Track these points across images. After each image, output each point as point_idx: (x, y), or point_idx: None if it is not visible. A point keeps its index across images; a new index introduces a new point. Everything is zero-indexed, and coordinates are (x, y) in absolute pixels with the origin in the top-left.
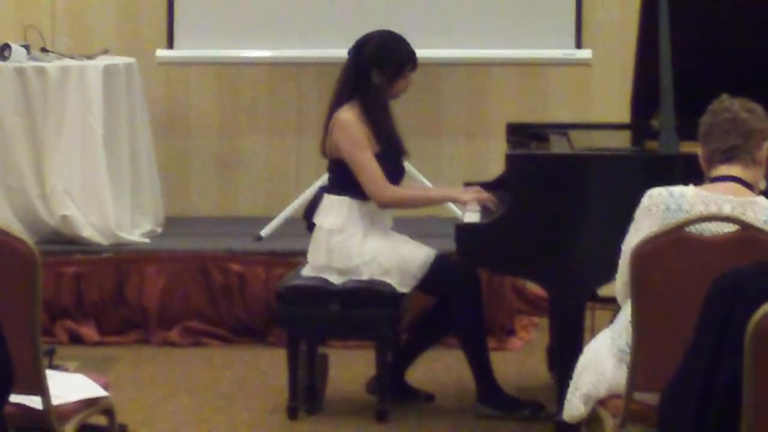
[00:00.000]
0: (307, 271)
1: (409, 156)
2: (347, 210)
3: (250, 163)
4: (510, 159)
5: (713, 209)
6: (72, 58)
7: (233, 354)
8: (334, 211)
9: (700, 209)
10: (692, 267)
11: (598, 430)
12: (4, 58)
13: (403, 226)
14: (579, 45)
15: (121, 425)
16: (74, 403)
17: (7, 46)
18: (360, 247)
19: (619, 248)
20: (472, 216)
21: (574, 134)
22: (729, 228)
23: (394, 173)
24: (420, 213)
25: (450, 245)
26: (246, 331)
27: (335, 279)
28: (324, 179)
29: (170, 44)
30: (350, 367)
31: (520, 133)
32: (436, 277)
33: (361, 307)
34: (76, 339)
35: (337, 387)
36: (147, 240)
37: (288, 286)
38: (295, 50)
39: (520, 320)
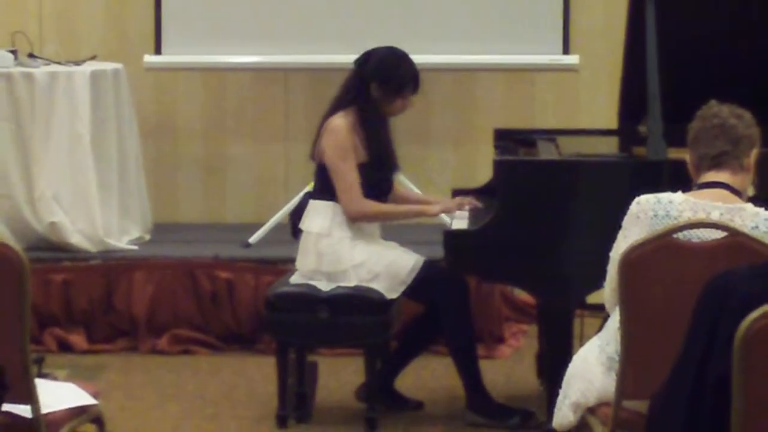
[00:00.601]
0: (295, 279)
1: (398, 170)
2: (332, 214)
3: (238, 169)
4: (498, 165)
5: (701, 216)
6: (59, 63)
7: (222, 362)
8: (320, 216)
9: (688, 216)
10: (680, 274)
11: None
12: None
13: (391, 233)
14: (566, 51)
15: None
16: (64, 411)
17: None
18: (350, 251)
19: (608, 255)
20: (460, 222)
21: (561, 140)
22: (717, 234)
23: (379, 187)
24: (408, 220)
25: (438, 252)
26: (234, 339)
27: (324, 285)
28: (309, 187)
29: (158, 50)
30: (339, 375)
31: (507, 139)
32: (425, 283)
33: (350, 314)
34: (64, 347)
35: (326, 394)
36: (135, 247)
37: (276, 294)
38: (282, 56)
39: (509, 327)
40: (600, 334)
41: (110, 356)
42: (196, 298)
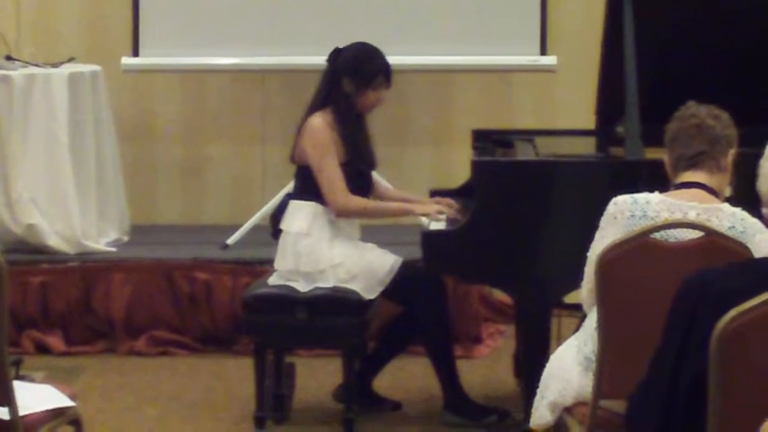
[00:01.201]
0: (273, 280)
1: (376, 166)
2: (312, 215)
3: (215, 171)
4: (475, 166)
5: (678, 216)
6: (37, 65)
7: (199, 363)
8: (300, 216)
9: (665, 216)
10: (657, 273)
11: None
12: None
13: (369, 234)
14: (544, 51)
15: None
16: (42, 413)
17: None
18: (328, 251)
19: (585, 255)
20: (438, 223)
21: (539, 141)
22: (694, 234)
23: (359, 185)
24: (386, 220)
25: (416, 253)
26: (212, 340)
27: (302, 286)
28: (289, 187)
29: (135, 52)
30: (317, 376)
31: (485, 140)
32: (403, 284)
33: (327, 316)
34: (42, 349)
35: (304, 395)
36: (113, 248)
37: (254, 295)
38: (260, 58)
39: (486, 328)
40: (577, 333)
41: (88, 358)
42: (174, 300)
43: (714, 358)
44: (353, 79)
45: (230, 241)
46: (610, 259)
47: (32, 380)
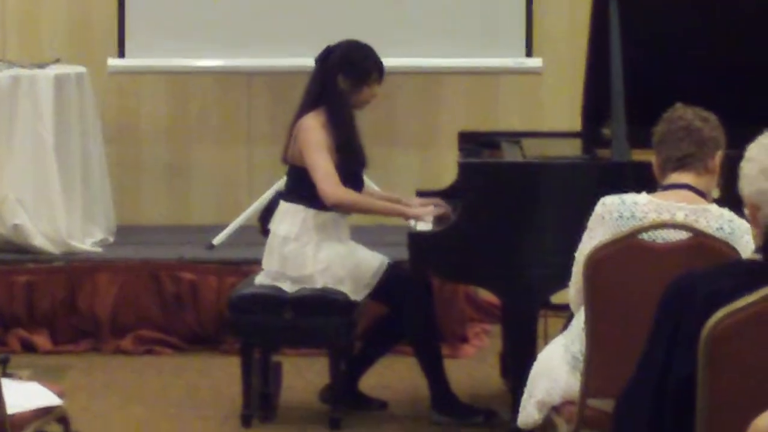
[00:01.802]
0: (260, 279)
1: (366, 165)
2: (301, 219)
3: (201, 171)
4: (462, 167)
5: (666, 217)
6: (23, 67)
7: (185, 362)
8: (289, 219)
9: (652, 217)
10: (645, 274)
11: None
12: None
13: (355, 234)
14: (529, 54)
15: None
16: (29, 411)
17: None
18: (314, 256)
19: (572, 256)
20: (424, 224)
21: (526, 142)
22: (682, 235)
23: (351, 183)
24: (372, 221)
25: (402, 253)
26: (198, 340)
27: (288, 287)
28: (280, 184)
29: (121, 53)
30: (304, 375)
31: (472, 142)
32: (389, 285)
33: (314, 316)
34: (28, 347)
35: (290, 395)
36: (99, 249)
37: (240, 295)
38: (245, 59)
39: (472, 327)
40: (565, 333)
41: (74, 357)
42: (160, 300)
43: (702, 359)
44: (348, 76)
45: (216, 241)
46: (598, 260)
47: (19, 378)
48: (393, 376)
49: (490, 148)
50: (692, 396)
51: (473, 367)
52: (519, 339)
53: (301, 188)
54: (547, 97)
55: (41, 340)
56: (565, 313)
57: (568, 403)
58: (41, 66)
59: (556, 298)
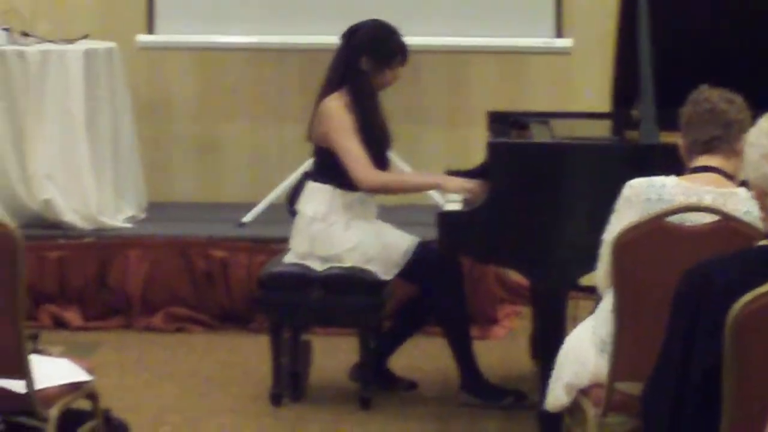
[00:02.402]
0: (289, 258)
1: (391, 143)
2: (329, 199)
3: (232, 148)
4: (491, 147)
5: (694, 200)
6: (52, 42)
7: (216, 340)
8: (316, 199)
9: (680, 200)
10: (672, 257)
11: (580, 420)
12: None
13: (384, 215)
14: (559, 34)
15: (105, 410)
16: (58, 387)
17: None
18: (342, 235)
19: (600, 238)
20: (453, 204)
21: (554, 123)
22: (709, 218)
23: (377, 164)
24: (401, 201)
25: (431, 233)
26: (228, 318)
27: (317, 266)
28: (307, 164)
29: (151, 29)
30: (333, 354)
31: (500, 122)
32: (418, 265)
33: (343, 295)
34: (59, 324)
35: (320, 374)
36: (129, 225)
37: (270, 273)
38: (277, 36)
39: (503, 309)
40: (593, 315)
41: (105, 333)
42: (191, 277)
43: (729, 344)
44: (372, 57)
45: (246, 218)
46: (625, 242)
47: (49, 354)
48: (423, 357)
49: (518, 129)
50: (716, 387)
51: (503, 348)
52: (548, 321)
53: (327, 168)
54: (576, 78)
55: (72, 316)
56: (594, 296)
57: (595, 386)
58: (71, 41)
59: (586, 281)
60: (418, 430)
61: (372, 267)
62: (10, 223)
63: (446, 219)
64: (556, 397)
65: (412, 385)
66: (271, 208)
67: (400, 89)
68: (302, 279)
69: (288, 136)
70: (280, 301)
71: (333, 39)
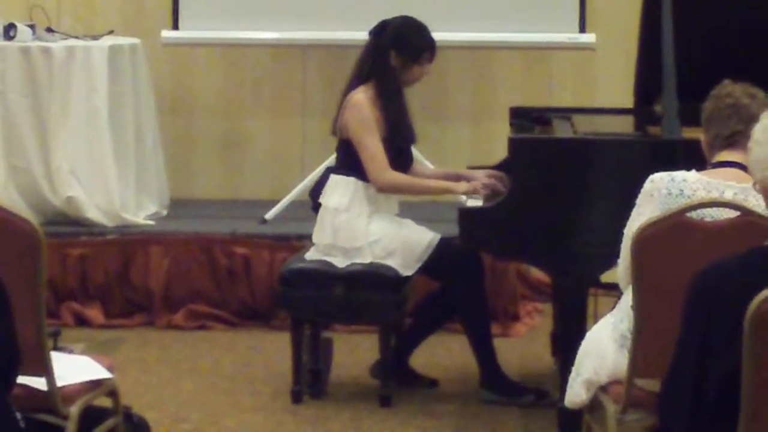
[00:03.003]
0: (311, 254)
1: (415, 140)
2: (352, 190)
3: (255, 145)
4: (513, 143)
5: (715, 195)
6: (77, 38)
7: (237, 337)
8: (340, 191)
9: (701, 195)
10: (693, 252)
11: (600, 416)
12: (10, 38)
13: (406, 210)
14: (583, 29)
15: (125, 407)
16: (79, 384)
17: (12, 26)
18: (366, 227)
19: (622, 233)
20: (475, 200)
21: (577, 119)
22: (730, 214)
23: (400, 160)
24: (424, 197)
25: (453, 230)
26: (250, 315)
27: (339, 261)
28: (330, 160)
29: (175, 25)
30: (354, 351)
31: (523, 117)
32: (440, 261)
33: (364, 291)
34: (81, 321)
35: (340, 371)
36: (152, 222)
37: (291, 269)
38: (300, 32)
39: (524, 306)
40: (614, 311)
41: (127, 331)
42: (213, 274)
43: (747, 342)
44: (400, 53)
45: (269, 215)
46: (645, 237)
47: (71, 351)
48: (443, 354)
49: (541, 124)
50: (735, 388)
51: (524, 345)
52: (568, 317)
53: (350, 161)
54: (599, 73)
55: (94, 313)
56: (615, 292)
57: (615, 382)
58: (95, 37)
59: (606, 277)
60: (438, 427)
61: (393, 261)
62: (33, 219)
63: (468, 215)
64: (576, 393)
65: (432, 383)
66: (294, 204)
67: (424, 84)
68: (324, 275)
69: (311, 133)
70: (301, 297)
71: (356, 35)
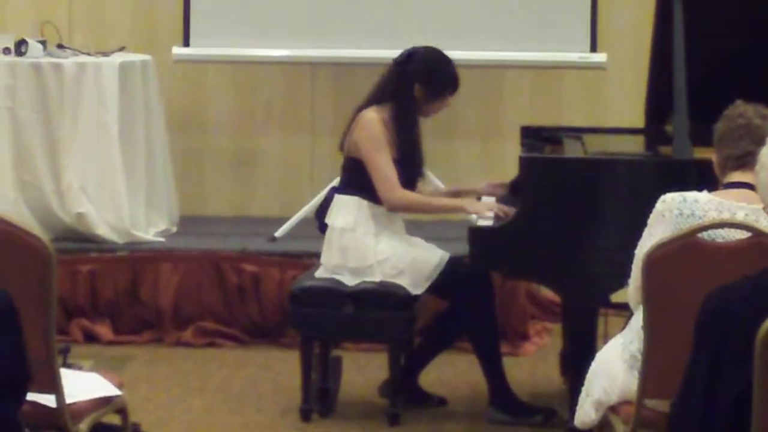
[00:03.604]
0: (320, 273)
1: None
2: (356, 210)
3: (265, 162)
4: (523, 162)
5: (726, 215)
6: (88, 54)
7: (246, 355)
8: (345, 211)
9: (712, 215)
10: (704, 273)
11: None
12: (21, 54)
13: (416, 229)
14: (594, 49)
15: (134, 424)
16: (88, 401)
17: (23, 42)
18: (374, 247)
19: (632, 254)
20: (485, 219)
21: (588, 138)
22: (741, 235)
23: (406, 185)
24: (433, 216)
25: (463, 249)
26: (259, 332)
27: (348, 280)
28: (336, 181)
29: (186, 42)
30: (363, 370)
31: (534, 137)
32: (449, 280)
33: (374, 310)
34: (90, 338)
35: (350, 389)
36: (161, 239)
37: (301, 288)
38: (311, 50)
39: (533, 325)
40: (624, 332)
41: (136, 348)
42: (222, 291)
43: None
44: (425, 87)
45: (278, 233)
46: (656, 258)
47: (80, 368)
48: (452, 373)
49: (552, 144)
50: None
51: (534, 365)
52: (578, 337)
53: (355, 180)
54: (610, 93)
55: (103, 329)
56: (625, 312)
57: (625, 403)
58: (106, 54)
59: (617, 297)
60: None
61: (402, 280)
62: (43, 236)
63: (478, 234)
64: (585, 413)
65: (441, 401)
66: (304, 222)
67: None
68: (333, 293)
69: (320, 150)
70: (311, 315)
71: (366, 53)
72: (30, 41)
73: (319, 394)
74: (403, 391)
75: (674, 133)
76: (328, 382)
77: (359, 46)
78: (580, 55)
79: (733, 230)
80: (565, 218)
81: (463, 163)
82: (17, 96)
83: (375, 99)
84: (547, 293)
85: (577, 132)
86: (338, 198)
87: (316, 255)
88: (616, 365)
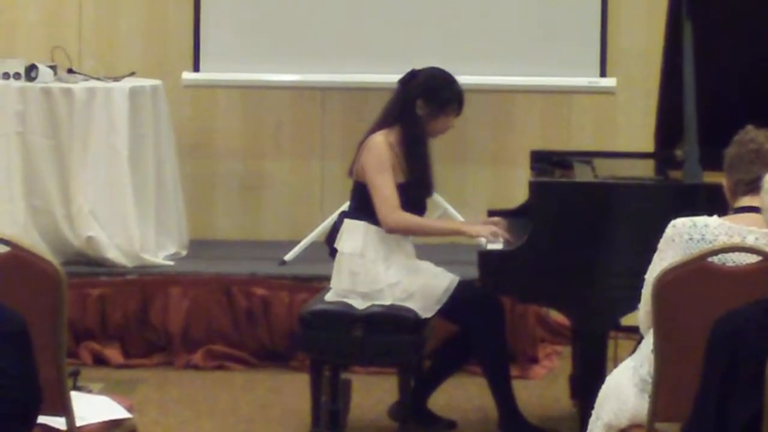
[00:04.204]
0: (330, 296)
1: (433, 193)
2: (363, 234)
3: (274, 186)
4: (533, 186)
5: (736, 240)
6: (98, 79)
7: (256, 378)
8: (354, 236)
9: (723, 240)
10: (714, 297)
11: None
12: (31, 79)
13: (425, 252)
14: (603, 73)
15: None
16: (98, 424)
17: (34, 67)
18: (384, 271)
19: (642, 278)
20: (495, 243)
21: (598, 162)
22: (752, 259)
23: (414, 208)
24: (443, 239)
25: (473, 272)
26: (269, 356)
27: (358, 303)
28: (345, 205)
29: (196, 67)
30: (373, 393)
31: (544, 161)
32: (459, 303)
33: (384, 333)
34: (100, 361)
35: (359, 412)
36: (171, 263)
37: (311, 311)
38: (320, 75)
39: (543, 348)
40: (634, 355)
41: (145, 371)
42: (232, 315)
43: None
44: (427, 103)
45: (288, 257)
46: (666, 282)
47: (89, 391)
48: (462, 396)
49: (562, 168)
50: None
51: (543, 388)
52: (588, 361)
53: (364, 204)
54: (620, 118)
55: (113, 353)
56: (635, 335)
57: (635, 426)
58: (116, 78)
59: (627, 321)
60: None
61: (412, 304)
62: (54, 259)
63: (487, 258)
64: None
65: (451, 425)
66: (313, 246)
67: None
68: (343, 317)
69: (330, 175)
70: (321, 339)
71: (375, 78)
72: (40, 66)
73: (329, 417)
74: (413, 414)
75: (684, 157)
76: (337, 405)
77: (369, 71)
78: (590, 79)
79: (743, 254)
80: (575, 242)
81: (473, 187)
82: (27, 121)
83: (383, 122)
84: (556, 316)
85: (587, 156)
86: (347, 223)
87: (326, 278)
88: (626, 388)
